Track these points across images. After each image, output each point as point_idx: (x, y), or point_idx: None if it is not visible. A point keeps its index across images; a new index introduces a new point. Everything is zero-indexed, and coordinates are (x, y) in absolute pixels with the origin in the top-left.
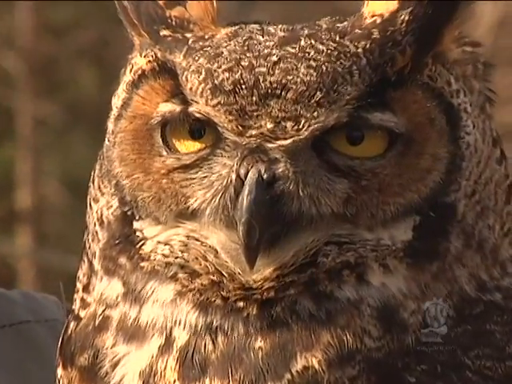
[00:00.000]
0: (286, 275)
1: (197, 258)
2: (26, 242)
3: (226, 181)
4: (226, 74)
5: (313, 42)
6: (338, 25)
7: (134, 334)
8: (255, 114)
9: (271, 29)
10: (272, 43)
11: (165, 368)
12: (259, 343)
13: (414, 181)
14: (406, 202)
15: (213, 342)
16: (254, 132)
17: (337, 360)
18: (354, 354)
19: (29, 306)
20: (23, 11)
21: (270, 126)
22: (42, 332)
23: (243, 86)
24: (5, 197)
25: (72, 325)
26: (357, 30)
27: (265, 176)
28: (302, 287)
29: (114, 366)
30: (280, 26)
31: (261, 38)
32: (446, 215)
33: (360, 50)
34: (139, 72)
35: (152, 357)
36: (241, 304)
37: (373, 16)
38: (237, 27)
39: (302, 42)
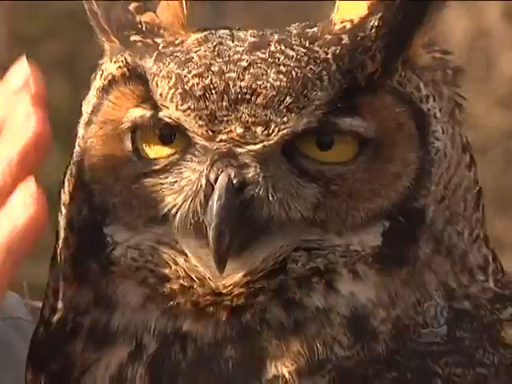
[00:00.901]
0: (256, 281)
1: (167, 263)
2: None
3: (195, 186)
4: (196, 80)
5: (283, 47)
6: (308, 30)
7: (104, 340)
8: (225, 119)
9: (241, 34)
10: (242, 49)
11: (135, 375)
12: (229, 352)
13: (383, 186)
14: (376, 207)
15: (183, 350)
16: (223, 137)
17: (307, 369)
18: (325, 363)
19: None
20: None
21: (239, 130)
22: (6, 330)
23: (213, 91)
24: None
25: (41, 330)
26: (327, 36)
27: (235, 181)
28: (272, 294)
29: (84, 372)
30: (250, 32)
31: (231, 43)
32: (415, 220)
33: (330, 56)
34: (109, 77)
35: (122, 364)
36: (211, 310)
37: (342, 22)
38: (207, 32)
39: (272, 48)
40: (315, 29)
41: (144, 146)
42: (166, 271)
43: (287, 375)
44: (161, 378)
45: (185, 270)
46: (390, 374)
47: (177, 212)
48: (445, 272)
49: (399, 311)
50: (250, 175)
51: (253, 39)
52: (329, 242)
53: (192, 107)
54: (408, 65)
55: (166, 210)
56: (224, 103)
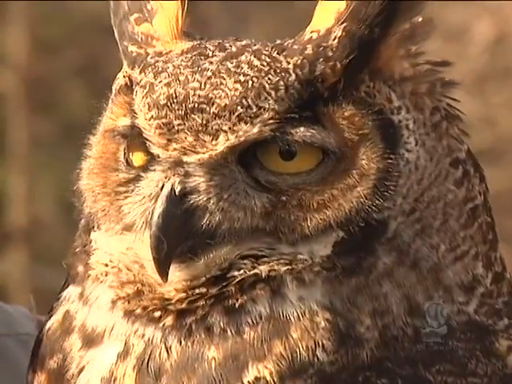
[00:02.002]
0: (197, 287)
1: (127, 268)
2: (19, 262)
3: (151, 195)
4: (164, 89)
5: (251, 57)
6: (287, 41)
7: (93, 339)
8: (179, 127)
9: (228, 44)
10: (216, 59)
11: (123, 375)
12: (212, 353)
13: (335, 197)
14: (327, 217)
15: (167, 351)
16: (175, 146)
17: (289, 372)
18: (307, 366)
19: (1, 319)
20: (17, 29)
21: (190, 139)
22: (13, 346)
23: (175, 101)
24: None
25: (44, 330)
26: (294, 46)
27: (177, 190)
28: (213, 300)
29: (80, 370)
30: (242, 42)
31: (210, 53)
32: (375, 231)
33: (290, 66)
34: (118, 87)
35: (113, 364)
36: (158, 314)
37: (312, 32)
38: (196, 43)
39: (243, 57)
40: (292, 40)
41: (130, 154)
42: (124, 276)
43: (268, 377)
44: (146, 378)
45: (137, 276)
46: (381, 380)
47: (137, 221)
48: (411, 285)
49: (387, 320)
50: (193, 184)
51: (234, 49)
52: (278, 250)
53: (154, 116)
54: (378, 75)
55: (129, 218)
56: (181, 112)
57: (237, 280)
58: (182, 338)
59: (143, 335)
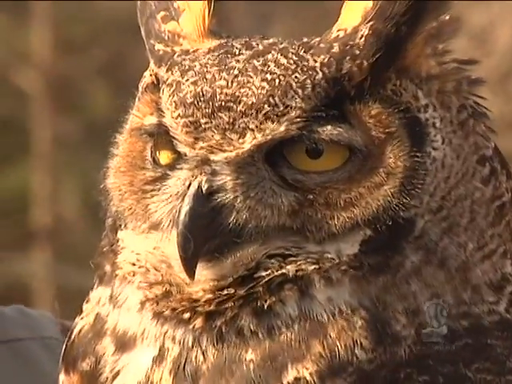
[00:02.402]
0: (225, 288)
1: (155, 268)
2: (43, 262)
3: (178, 193)
4: (191, 87)
5: (278, 55)
6: (314, 39)
7: (126, 342)
8: (207, 126)
9: (255, 43)
10: (243, 57)
11: (160, 379)
12: (250, 355)
13: (362, 196)
14: (354, 216)
15: (203, 354)
16: (202, 144)
17: (328, 371)
18: (346, 365)
19: (25, 322)
20: (41, 29)
21: (217, 138)
22: (37, 349)
23: (202, 99)
24: (22, 215)
25: (76, 331)
26: (321, 45)
27: (204, 188)
28: (242, 301)
29: (115, 375)
30: (269, 41)
31: (237, 51)
32: (402, 230)
33: (317, 64)
34: (144, 86)
35: (148, 368)
36: (187, 315)
37: (339, 30)
38: (223, 41)
39: (269, 56)
40: (318, 38)
41: (157, 152)
42: (152, 276)
43: (308, 377)
44: (183, 381)
45: (165, 276)
46: (422, 377)
47: (164, 219)
48: (439, 284)
49: (422, 318)
50: (219, 182)
51: (260, 48)
52: (305, 249)
53: (181, 114)
54: (405, 74)
55: (156, 217)
56: (208, 110)
57: (264, 280)
58: (214, 340)
59: (174, 337)
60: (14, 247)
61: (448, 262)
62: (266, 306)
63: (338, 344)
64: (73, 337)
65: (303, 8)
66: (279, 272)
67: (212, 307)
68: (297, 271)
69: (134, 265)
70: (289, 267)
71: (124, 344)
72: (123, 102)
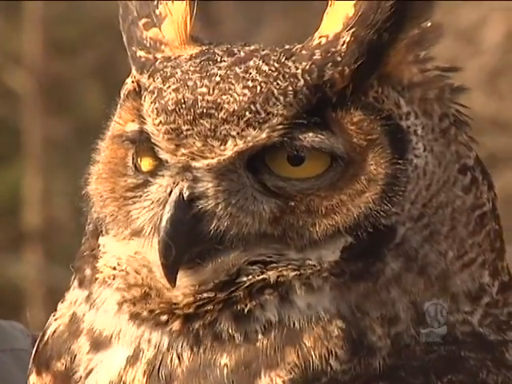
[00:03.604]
0: (205, 292)
1: (135, 271)
2: (34, 262)
3: (160, 200)
4: (173, 94)
5: (260, 62)
6: (296, 46)
7: (101, 342)
8: (188, 133)
9: (237, 49)
10: (225, 64)
11: (133, 379)
12: (224, 360)
13: (344, 203)
14: (335, 223)
15: (178, 358)
16: (184, 151)
17: (301, 381)
18: (320, 375)
19: None
20: (32, 30)
21: (198, 144)
22: (7, 361)
23: (183, 106)
24: (13, 216)
25: (49, 331)
26: (303, 51)
27: (185, 194)
28: (221, 305)
29: (88, 373)
30: (250, 47)
31: (219, 58)
32: (383, 237)
33: (299, 71)
34: (126, 93)
35: (121, 368)
36: (164, 318)
37: (320, 37)
38: (205, 48)
39: (251, 63)
40: (300, 45)
41: (139, 159)
42: (131, 279)
43: None
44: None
45: (144, 279)
46: None
47: (146, 226)
48: (418, 292)
49: (399, 328)
50: (201, 189)
51: (242, 54)
52: (286, 256)
53: (163, 121)
54: (387, 81)
55: (138, 224)
56: (189, 117)
57: (245, 285)
58: (191, 344)
59: (150, 340)
60: (6, 248)
61: (428, 270)
62: (245, 311)
63: (313, 353)
64: (46, 337)
65: (293, 9)
66: (260, 277)
67: (191, 310)
68: (278, 277)
69: (114, 269)
70: (270, 273)
71: (99, 343)
72: (107, 109)
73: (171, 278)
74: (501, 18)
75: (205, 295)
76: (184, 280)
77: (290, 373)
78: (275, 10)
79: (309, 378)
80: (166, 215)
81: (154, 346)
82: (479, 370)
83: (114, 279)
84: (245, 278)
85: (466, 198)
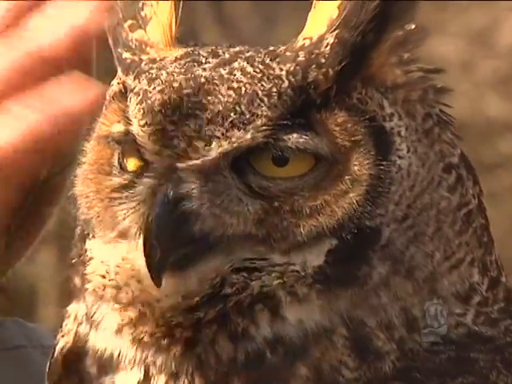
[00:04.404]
0: (195, 309)
1: (125, 285)
2: (49, 262)
3: (145, 201)
4: (158, 96)
5: (244, 64)
6: (280, 48)
7: (107, 364)
8: (173, 134)
9: (221, 51)
10: (209, 65)
11: None
12: (236, 382)
13: (328, 204)
14: (320, 224)
15: (189, 382)
16: (169, 152)
17: None
18: None
19: (24, 332)
20: None
21: (182, 145)
22: (38, 357)
23: (168, 107)
24: None
25: (58, 349)
26: (287, 53)
27: (170, 195)
28: (216, 326)
29: None
30: (232, 49)
31: (203, 59)
32: (368, 239)
33: (283, 73)
34: (112, 94)
35: None
36: (166, 342)
37: (304, 39)
38: (190, 49)
39: (236, 64)
40: (284, 46)
41: (124, 160)
42: (124, 297)
43: None
44: None
45: (134, 293)
46: None
47: (131, 227)
48: (407, 296)
49: (400, 333)
50: (186, 190)
51: (227, 56)
52: (270, 261)
53: (148, 122)
54: (370, 82)
55: (124, 225)
56: (174, 118)
57: (233, 302)
58: (198, 367)
59: (155, 362)
60: None
61: (415, 273)
62: (239, 330)
63: (323, 365)
64: (56, 354)
65: (308, 8)
66: (246, 292)
67: (189, 334)
68: (261, 287)
69: (103, 277)
70: (253, 283)
71: (106, 366)
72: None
73: (157, 278)
74: None
75: (195, 315)
76: (169, 283)
77: None
78: (290, 8)
79: None
80: (151, 216)
81: (162, 370)
82: (489, 371)
83: (104, 289)
84: (229, 290)
85: (451, 198)
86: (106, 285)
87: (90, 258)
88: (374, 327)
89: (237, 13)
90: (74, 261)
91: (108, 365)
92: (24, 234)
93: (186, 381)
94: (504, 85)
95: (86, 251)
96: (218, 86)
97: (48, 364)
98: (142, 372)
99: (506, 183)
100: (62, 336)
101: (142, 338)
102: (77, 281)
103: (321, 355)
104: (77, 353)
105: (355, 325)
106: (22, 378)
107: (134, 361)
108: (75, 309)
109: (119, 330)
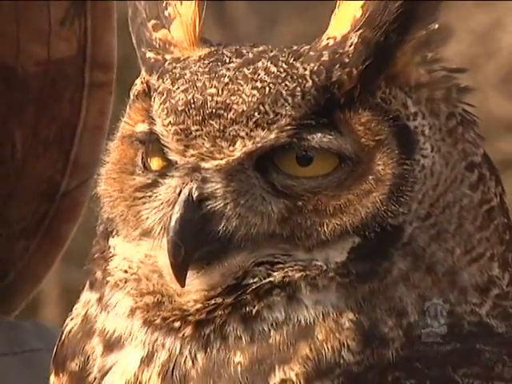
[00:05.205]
0: (214, 297)
1: (146, 278)
2: None
3: (169, 201)
4: (182, 95)
5: (268, 63)
6: (303, 47)
7: (114, 343)
8: (197, 133)
9: (245, 51)
10: (233, 65)
11: (149, 379)
12: (238, 358)
13: (351, 203)
14: (343, 223)
15: (192, 360)
16: (193, 152)
17: (315, 373)
18: (333, 367)
19: (40, 334)
20: None
21: (207, 145)
22: (47, 358)
23: (192, 107)
24: None
25: (66, 331)
26: (311, 53)
27: (194, 195)
28: (231, 308)
29: (103, 374)
30: (256, 49)
31: (227, 59)
32: (391, 236)
33: (307, 72)
34: (136, 93)
35: (136, 368)
36: (177, 324)
37: (328, 38)
38: (213, 49)
39: (260, 64)
40: (308, 46)
41: (148, 159)
42: (143, 286)
43: (295, 379)
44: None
45: (157, 286)
46: (409, 380)
47: (155, 227)
48: (426, 287)
49: (411, 319)
50: (210, 190)
51: (250, 56)
52: (293, 257)
53: (172, 122)
54: (394, 82)
55: (147, 224)
56: (198, 118)
57: (252, 288)
58: (203, 347)
59: (163, 344)
60: None
61: (436, 268)
62: (253, 312)
63: (325, 346)
64: (63, 337)
65: (309, 9)
66: (267, 280)
67: (202, 316)
68: (283, 277)
69: (125, 272)
70: (275, 274)
71: (112, 344)
72: (117, 110)
73: (181, 279)
74: None
75: (213, 301)
76: (194, 283)
77: (304, 366)
78: (290, 9)
79: (322, 370)
80: (175, 215)
81: (168, 350)
82: (495, 363)
83: (125, 283)
84: (251, 281)
85: (473, 195)
86: (127, 279)
87: (113, 255)
88: (383, 313)
89: (237, 13)
90: (96, 256)
91: (115, 344)
92: (42, 257)
93: (188, 359)
94: (506, 84)
95: (109, 248)
96: (242, 85)
97: (54, 348)
98: (146, 351)
99: (508, 182)
100: (71, 319)
101: (154, 320)
102: (98, 274)
103: (324, 337)
104: (84, 333)
105: (366, 310)
106: (34, 381)
107: (142, 341)
108: (88, 296)
109: (132, 313)
